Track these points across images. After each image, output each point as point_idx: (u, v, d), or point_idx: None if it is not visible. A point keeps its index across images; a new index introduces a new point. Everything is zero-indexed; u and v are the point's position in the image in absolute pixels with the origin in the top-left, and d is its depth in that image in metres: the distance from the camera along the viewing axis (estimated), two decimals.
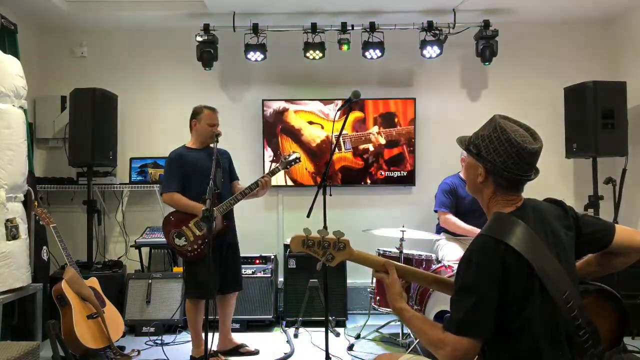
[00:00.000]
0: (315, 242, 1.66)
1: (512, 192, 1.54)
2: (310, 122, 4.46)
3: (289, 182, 4.67)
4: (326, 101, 4.60)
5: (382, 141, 4.69)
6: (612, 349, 1.63)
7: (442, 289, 1.77)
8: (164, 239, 4.42)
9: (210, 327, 2.74)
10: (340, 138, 4.51)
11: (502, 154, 1.49)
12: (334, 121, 4.54)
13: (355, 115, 4.67)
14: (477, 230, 3.76)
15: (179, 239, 3.26)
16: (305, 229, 1.67)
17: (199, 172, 3.23)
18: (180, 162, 3.35)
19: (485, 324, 1.40)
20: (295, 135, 4.64)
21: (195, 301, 3.35)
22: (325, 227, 2.92)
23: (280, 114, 4.51)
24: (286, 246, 4.37)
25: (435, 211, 4.11)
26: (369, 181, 4.73)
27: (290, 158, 3.37)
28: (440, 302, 3.19)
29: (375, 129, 4.62)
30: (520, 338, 1.43)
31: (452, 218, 3.95)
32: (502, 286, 1.40)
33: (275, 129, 4.65)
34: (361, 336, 3.93)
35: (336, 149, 3.15)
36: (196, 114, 3.42)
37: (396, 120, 4.68)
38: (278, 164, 3.40)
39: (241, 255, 3.63)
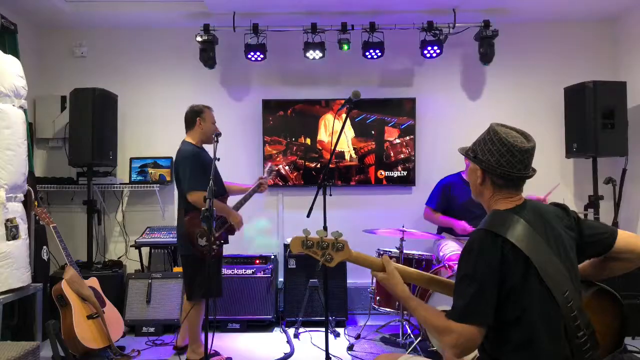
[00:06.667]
0: (315, 243, 1.68)
1: (510, 190, 1.58)
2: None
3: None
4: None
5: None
6: (615, 351, 1.62)
7: (438, 289, 1.78)
8: (164, 239, 4.43)
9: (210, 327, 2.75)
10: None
11: (495, 153, 1.55)
12: (333, 121, 4.55)
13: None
14: (456, 222, 3.86)
15: (201, 238, 3.26)
16: (304, 230, 1.68)
17: (210, 172, 3.19)
18: (201, 160, 3.30)
19: (487, 311, 1.43)
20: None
21: (201, 301, 3.32)
22: (325, 227, 2.93)
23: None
24: (286, 246, 4.37)
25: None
26: (371, 179, 4.75)
27: (269, 169, 3.76)
28: (443, 301, 3.19)
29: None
30: (518, 330, 1.45)
31: (432, 213, 4.12)
32: (501, 277, 1.44)
33: None
34: (361, 336, 3.93)
35: (335, 149, 3.15)
36: (200, 112, 3.40)
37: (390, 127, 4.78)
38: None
39: (241, 255, 3.63)
